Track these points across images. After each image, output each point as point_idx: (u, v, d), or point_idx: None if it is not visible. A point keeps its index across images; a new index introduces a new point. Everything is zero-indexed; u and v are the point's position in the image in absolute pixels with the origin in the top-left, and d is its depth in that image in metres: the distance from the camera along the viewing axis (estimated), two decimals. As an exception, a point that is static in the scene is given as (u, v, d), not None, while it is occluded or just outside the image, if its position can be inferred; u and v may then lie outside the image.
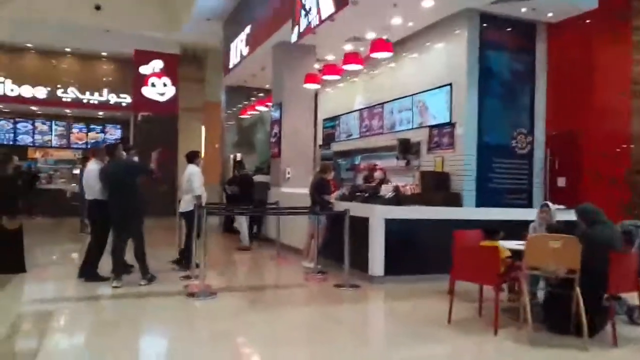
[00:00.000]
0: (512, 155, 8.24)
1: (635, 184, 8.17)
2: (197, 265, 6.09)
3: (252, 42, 11.23)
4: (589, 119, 8.08)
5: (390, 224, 6.39)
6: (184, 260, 6.72)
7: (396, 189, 7.37)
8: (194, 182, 6.76)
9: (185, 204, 6.83)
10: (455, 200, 7.89)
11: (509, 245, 4.84)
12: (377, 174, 8.94)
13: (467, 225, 6.30)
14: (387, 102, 10.04)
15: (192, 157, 7.10)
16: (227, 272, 7.21)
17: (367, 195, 7.53)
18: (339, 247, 6.26)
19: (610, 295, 4.26)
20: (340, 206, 6.79)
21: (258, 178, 10.24)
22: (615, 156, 7.94)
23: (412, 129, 9.20)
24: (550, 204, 5.69)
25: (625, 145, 8.09)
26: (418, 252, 6.49)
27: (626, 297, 4.80)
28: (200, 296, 5.32)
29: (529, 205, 8.23)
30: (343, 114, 11.85)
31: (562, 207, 6.68)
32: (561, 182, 8.31)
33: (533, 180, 8.39)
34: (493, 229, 5.00)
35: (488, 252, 4.47)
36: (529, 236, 4.44)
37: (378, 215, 6.39)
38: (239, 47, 12.20)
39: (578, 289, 4.16)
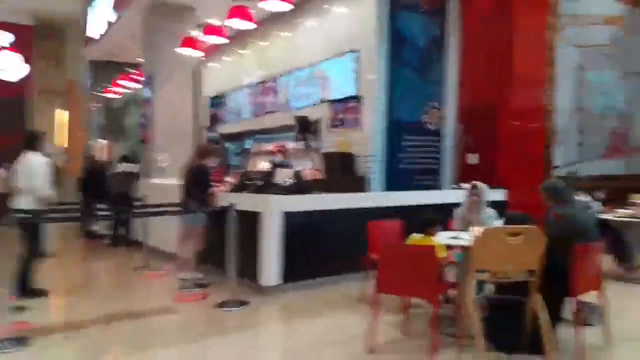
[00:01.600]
0: (423, 132, 7.29)
1: (547, 160, 7.64)
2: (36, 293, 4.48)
3: (119, 4, 9.21)
4: (505, 90, 7.34)
5: (290, 218, 5.05)
6: (18, 285, 4.75)
7: (297, 174, 6.03)
8: (34, 177, 4.78)
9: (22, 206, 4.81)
10: (362, 184, 6.77)
11: (442, 239, 3.72)
12: (276, 158, 7.58)
13: (382, 214, 5.21)
14: (282, 75, 8.67)
15: (32, 140, 5.01)
16: (70, 296, 5.35)
17: (260, 183, 6.10)
18: (223, 252, 4.79)
19: (577, 300, 3.30)
20: (225, 199, 5.26)
21: (122, 167, 8.34)
22: (531, 131, 7.32)
23: (312, 105, 7.93)
24: (479, 183, 4.70)
25: (540, 119, 7.52)
26: (324, 251, 5.25)
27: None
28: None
29: (437, 186, 7.38)
30: (231, 91, 10.27)
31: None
32: (473, 159, 7.54)
33: (443, 158, 7.52)
34: (429, 219, 3.83)
35: (423, 256, 3.28)
36: (480, 230, 3.32)
37: (273, 208, 5.01)
38: (103, 11, 10.07)
39: (538, 295, 3.15)
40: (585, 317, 3.76)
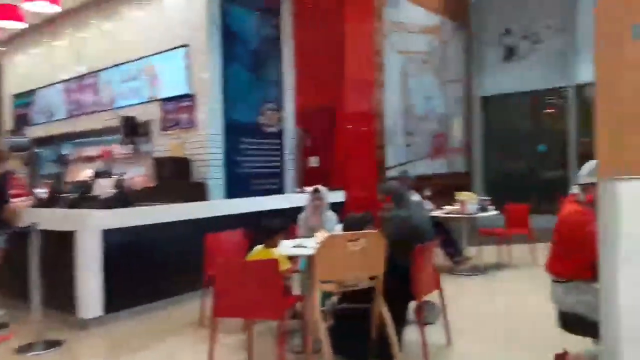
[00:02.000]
0: (262, 134, 7.03)
1: (380, 160, 7.97)
2: None
3: None
4: (340, 92, 7.45)
5: (111, 237, 4.33)
6: None
7: (119, 184, 5.27)
8: None
9: None
10: (199, 192, 6.25)
11: (284, 249, 3.45)
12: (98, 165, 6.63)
13: (223, 224, 4.79)
14: (104, 69, 7.67)
15: None
16: None
17: (75, 196, 5.20)
18: (26, 282, 3.90)
19: (419, 302, 3.28)
20: (29, 217, 4.32)
21: None
22: (365, 133, 7.55)
23: (140, 103, 7.13)
24: (321, 187, 4.58)
25: (372, 122, 7.79)
26: (156, 271, 4.63)
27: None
28: None
29: (281, 190, 7.22)
30: (41, 88, 8.83)
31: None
32: (314, 161, 7.54)
33: (285, 161, 7.37)
34: (270, 228, 3.50)
35: (264, 271, 2.95)
36: (324, 236, 3.10)
37: (90, 226, 4.25)
38: None
39: (382, 301, 3.06)
40: (425, 316, 3.82)
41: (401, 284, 3.19)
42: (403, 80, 8.68)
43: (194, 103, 6.49)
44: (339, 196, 7.01)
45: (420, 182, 8.24)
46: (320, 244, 2.97)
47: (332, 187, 6.83)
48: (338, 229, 4.22)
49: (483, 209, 5.87)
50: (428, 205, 5.82)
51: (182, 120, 6.60)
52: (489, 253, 6.38)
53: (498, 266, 6.06)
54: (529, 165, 11.06)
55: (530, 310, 4.50)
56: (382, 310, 3.09)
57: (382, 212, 3.56)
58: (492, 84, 10.55)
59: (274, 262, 2.97)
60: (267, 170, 7.11)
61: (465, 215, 5.75)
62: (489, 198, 5.98)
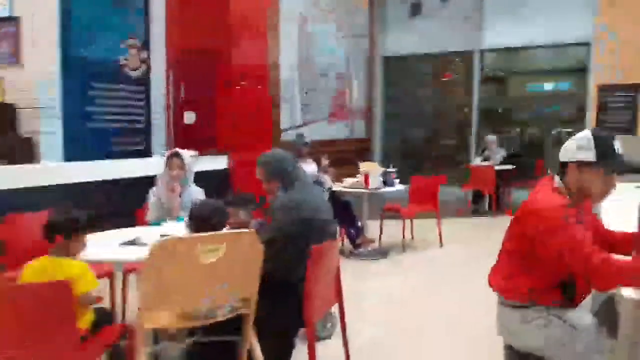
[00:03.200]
0: (121, 79, 5.45)
1: (275, 121, 6.78)
2: None
3: None
4: (225, 34, 6.02)
5: None
6: None
7: None
8: None
9: None
10: (26, 151, 4.64)
11: (97, 253, 2.16)
12: None
13: (59, 198, 3.41)
14: None
15: None
16: None
17: None
18: None
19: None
20: None
21: None
22: (256, 87, 6.27)
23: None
24: (182, 151, 3.29)
25: (265, 74, 6.52)
26: None
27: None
28: None
29: (148, 152, 5.77)
30: None
31: (194, 153, 4.54)
32: (190, 118, 6.12)
33: (151, 115, 5.89)
34: (59, 222, 2.13)
35: (46, 300, 1.66)
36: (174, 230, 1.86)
37: None
38: None
39: (254, 332, 1.95)
40: (319, 330, 2.80)
41: (284, 308, 2.09)
42: (302, 27, 7.46)
43: (17, 29, 4.75)
44: (221, 163, 5.76)
45: (318, 149, 7.23)
46: (151, 251, 1.73)
47: (213, 151, 5.56)
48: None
49: (388, 182, 4.97)
50: (326, 180, 4.78)
51: (1, 53, 4.83)
52: (392, 232, 5.57)
53: (404, 247, 5.26)
54: (429, 133, 10.56)
55: (442, 300, 3.71)
56: (254, 347, 1.98)
57: (269, 200, 2.41)
58: (396, 43, 9.71)
59: (64, 285, 1.69)
60: (128, 125, 5.59)
61: (369, 191, 4.81)
62: (394, 170, 5.08)
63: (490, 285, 2.08)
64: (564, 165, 1.89)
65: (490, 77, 9.55)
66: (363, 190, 4.82)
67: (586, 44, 8.29)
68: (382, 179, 4.95)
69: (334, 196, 5.01)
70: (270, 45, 6.57)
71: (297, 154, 5.34)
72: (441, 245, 5.42)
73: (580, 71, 8.97)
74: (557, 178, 1.93)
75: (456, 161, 9.69)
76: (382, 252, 5.11)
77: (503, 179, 7.81)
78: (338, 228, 5.04)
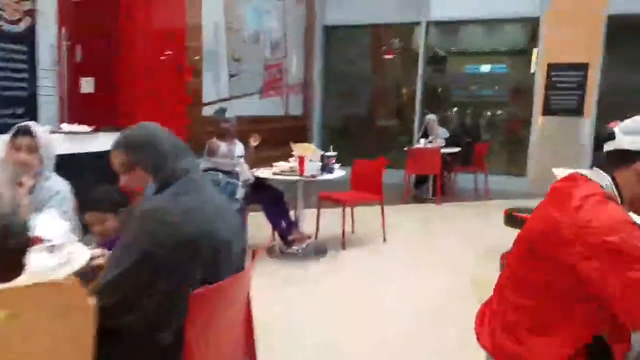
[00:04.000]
0: (-8, 34, 4.30)
1: (196, 94, 5.80)
2: None
3: None
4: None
5: None
6: None
7: None
8: None
9: None
10: None
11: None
12: None
13: None
14: None
15: None
16: None
17: None
18: None
19: None
20: None
21: None
22: (171, 53, 5.25)
23: None
24: (34, 125, 2.31)
25: (181, 38, 5.51)
26: None
27: None
28: None
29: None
30: None
31: (85, 129, 3.62)
32: (88, 86, 5.01)
33: (38, 82, 4.75)
34: None
35: None
36: None
37: None
38: None
39: None
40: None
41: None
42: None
43: None
44: None
45: (247, 127, 6.35)
46: None
47: (113, 128, 4.54)
48: (67, 217, 2.10)
49: (327, 168, 4.20)
50: (244, 171, 3.92)
51: None
52: (331, 224, 4.84)
53: (343, 244, 4.53)
54: (370, 112, 9.89)
55: (385, 304, 3.02)
56: None
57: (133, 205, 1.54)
58: (337, 10, 8.89)
59: None
60: (7, 92, 4.46)
61: (304, 178, 4.01)
62: (334, 154, 4.30)
63: (481, 343, 1.35)
64: (619, 160, 1.18)
65: (433, 54, 8.96)
66: (297, 178, 4.02)
67: (536, 19, 7.85)
68: (319, 164, 4.17)
69: (260, 184, 4.19)
70: (188, 3, 5.54)
71: (220, 132, 4.48)
72: (384, 239, 4.75)
73: (523, 52, 8.60)
74: (601, 178, 1.22)
75: (399, 142, 9.12)
76: (320, 250, 4.36)
77: (447, 162, 7.29)
78: (271, 227, 4.28)
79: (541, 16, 7.73)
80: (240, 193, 1.91)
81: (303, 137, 8.85)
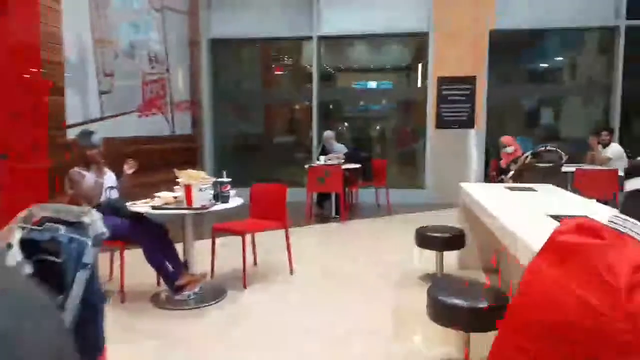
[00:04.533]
0: None
1: (56, 113, 4.89)
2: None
3: None
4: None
5: None
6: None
7: None
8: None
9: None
10: None
11: None
12: None
13: None
14: None
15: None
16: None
17: None
18: None
19: None
20: None
21: None
22: (27, 70, 4.34)
23: None
24: None
25: (33, 50, 4.60)
26: None
27: None
28: None
29: None
30: None
31: None
32: None
33: None
34: None
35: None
36: None
37: None
38: None
39: None
40: None
41: None
42: (97, -6, 5.62)
43: None
44: None
45: (126, 149, 5.54)
46: None
47: None
48: None
49: (221, 197, 3.60)
50: (96, 223, 3.18)
51: None
52: (228, 259, 4.23)
53: (245, 281, 3.93)
54: (264, 129, 9.42)
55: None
56: None
57: None
58: (224, 23, 8.33)
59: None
60: None
61: (193, 211, 3.37)
62: (228, 180, 3.71)
63: None
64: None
65: (323, 70, 8.74)
66: (185, 212, 3.37)
67: (425, 34, 7.93)
68: (211, 192, 3.56)
69: (138, 218, 3.48)
70: (43, 11, 4.66)
71: (84, 160, 3.71)
72: (292, 271, 4.24)
73: (409, 67, 8.74)
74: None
75: (297, 159, 8.73)
76: (217, 292, 3.73)
77: (347, 178, 7.01)
78: (155, 271, 3.56)
79: (430, 32, 7.82)
80: (89, 255, 1.32)
81: (193, 158, 8.11)
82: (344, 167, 6.53)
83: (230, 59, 8.91)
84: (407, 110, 9.04)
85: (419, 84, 8.47)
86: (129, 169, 3.94)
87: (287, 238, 4.20)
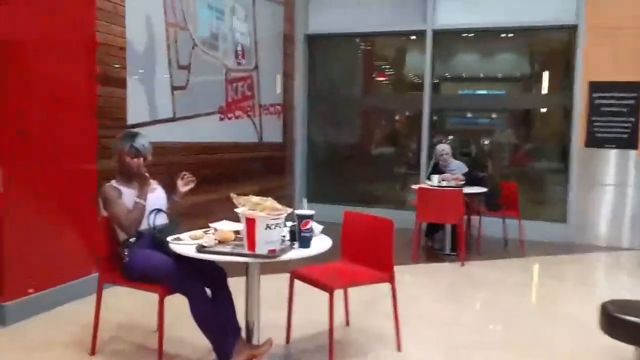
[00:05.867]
0: None
1: (110, 111, 4.00)
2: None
3: None
4: None
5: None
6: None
7: None
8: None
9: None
10: None
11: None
12: None
13: None
14: None
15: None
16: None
17: None
18: None
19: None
20: None
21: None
22: (69, 51, 3.46)
23: None
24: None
25: (88, 31, 3.74)
26: None
27: None
28: None
29: None
30: None
31: None
32: None
33: None
34: None
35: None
36: None
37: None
38: None
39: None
40: None
41: None
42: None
43: None
44: None
45: (202, 156, 4.61)
46: None
47: None
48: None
49: (299, 236, 2.33)
50: None
51: None
52: (309, 316, 3.00)
53: (332, 355, 2.66)
54: (358, 138, 8.14)
55: None
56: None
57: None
58: (325, 17, 7.25)
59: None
60: None
61: (256, 259, 2.16)
62: (310, 213, 2.39)
63: None
64: None
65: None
66: (243, 259, 2.17)
67: (572, 28, 6.23)
68: (285, 230, 2.35)
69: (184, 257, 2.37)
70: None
71: (124, 171, 2.70)
72: (399, 347, 2.89)
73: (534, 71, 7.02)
74: None
75: (396, 175, 7.43)
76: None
77: (470, 206, 5.54)
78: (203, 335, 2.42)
79: (580, 24, 6.12)
80: None
81: (281, 169, 7.07)
82: (466, 191, 5.06)
83: (329, 58, 7.79)
84: (524, 122, 7.35)
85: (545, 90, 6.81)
86: (183, 185, 2.87)
87: (394, 297, 2.85)
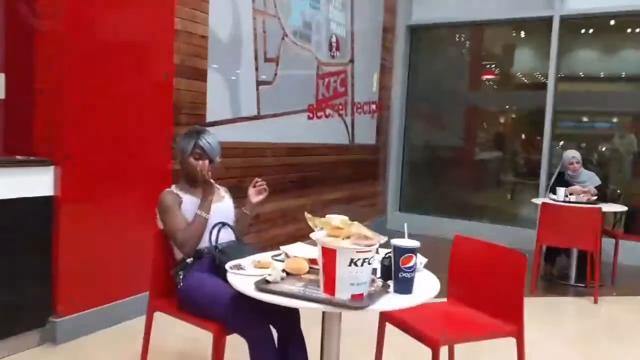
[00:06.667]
0: None
1: (186, 106, 3.64)
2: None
3: None
4: None
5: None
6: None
7: None
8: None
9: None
10: None
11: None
12: None
13: None
14: None
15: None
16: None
17: None
18: None
19: None
20: None
21: None
22: (133, 37, 3.13)
23: None
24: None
25: (169, 16, 3.40)
26: None
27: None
28: None
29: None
30: None
31: None
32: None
33: None
34: None
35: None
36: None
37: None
38: None
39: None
40: None
41: None
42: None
43: None
44: (38, 183, 2.67)
45: (287, 158, 4.17)
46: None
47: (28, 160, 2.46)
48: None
49: (398, 277, 1.69)
50: None
51: None
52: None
53: None
54: (459, 142, 7.29)
55: None
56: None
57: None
58: (429, 6, 6.53)
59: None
60: None
61: (334, 308, 1.57)
62: (414, 246, 1.71)
63: None
64: None
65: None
66: (316, 305, 1.58)
67: None
68: (374, 268, 1.72)
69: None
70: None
71: (187, 175, 2.25)
72: None
73: None
74: None
75: (503, 183, 6.51)
76: None
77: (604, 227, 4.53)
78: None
79: None
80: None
81: (374, 174, 6.46)
82: (605, 209, 4.09)
83: (432, 52, 7.02)
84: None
85: None
86: (255, 195, 2.36)
87: (520, 343, 2.11)
